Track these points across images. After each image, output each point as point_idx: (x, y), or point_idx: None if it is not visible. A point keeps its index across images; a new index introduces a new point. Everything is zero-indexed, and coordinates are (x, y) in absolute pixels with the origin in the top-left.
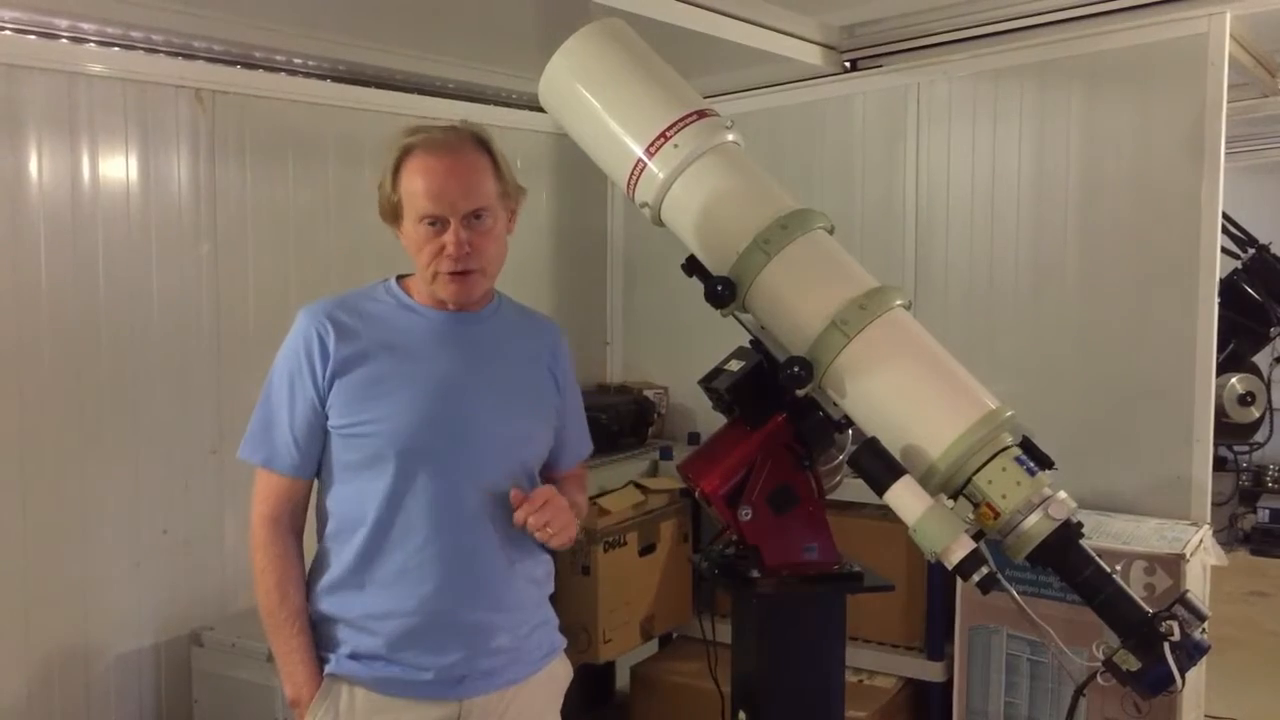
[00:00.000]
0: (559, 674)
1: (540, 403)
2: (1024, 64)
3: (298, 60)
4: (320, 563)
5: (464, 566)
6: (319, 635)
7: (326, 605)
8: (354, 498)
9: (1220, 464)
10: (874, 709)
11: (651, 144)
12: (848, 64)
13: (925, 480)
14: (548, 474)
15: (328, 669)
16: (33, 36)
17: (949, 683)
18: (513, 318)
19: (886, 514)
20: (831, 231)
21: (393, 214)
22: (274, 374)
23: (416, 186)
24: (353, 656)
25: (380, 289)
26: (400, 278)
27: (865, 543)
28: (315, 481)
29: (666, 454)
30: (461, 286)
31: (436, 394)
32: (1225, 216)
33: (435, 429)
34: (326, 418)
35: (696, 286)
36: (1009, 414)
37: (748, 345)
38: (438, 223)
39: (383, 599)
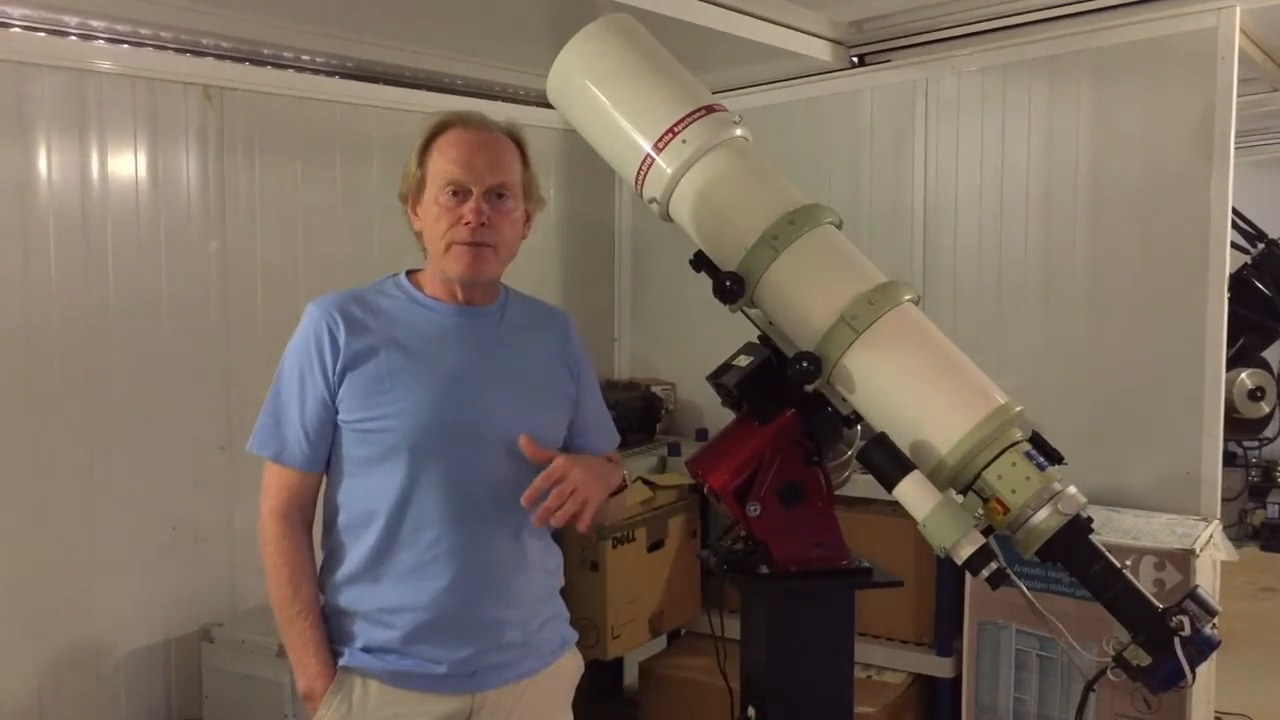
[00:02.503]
0: (570, 668)
1: (552, 395)
2: (1033, 58)
3: (306, 57)
4: (333, 556)
5: (476, 561)
6: (332, 629)
7: (340, 599)
8: (366, 492)
9: (1229, 459)
10: (883, 705)
11: (660, 139)
12: (856, 59)
13: (934, 475)
14: None
15: (341, 662)
16: (42, 34)
17: (958, 678)
18: (521, 310)
19: (895, 509)
20: (840, 226)
21: (414, 191)
22: (284, 367)
23: (446, 156)
24: (366, 650)
25: (390, 284)
26: (410, 273)
27: (874, 538)
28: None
29: (674, 450)
30: (473, 262)
31: (447, 389)
32: (1235, 211)
33: (447, 424)
34: (337, 412)
35: (704, 282)
36: (1018, 409)
37: (756, 341)
38: (460, 192)
39: (396, 593)
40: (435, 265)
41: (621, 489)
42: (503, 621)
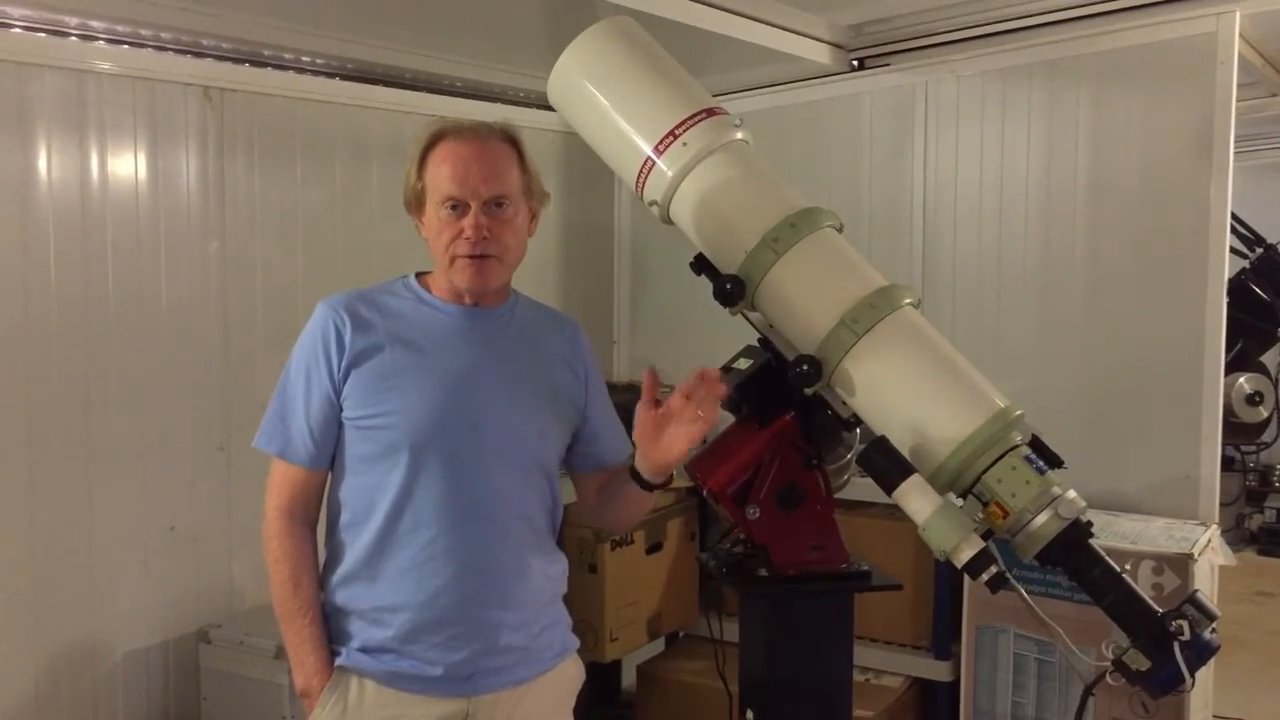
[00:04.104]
0: (571, 674)
1: (556, 399)
2: (1032, 63)
3: (306, 58)
4: (334, 554)
5: (474, 563)
6: (331, 627)
7: (339, 597)
8: (366, 490)
9: (1227, 464)
10: (881, 708)
11: (660, 142)
12: (855, 63)
13: (934, 479)
14: (592, 472)
15: (338, 661)
16: (42, 34)
17: (956, 682)
18: (530, 314)
19: (894, 513)
20: (840, 230)
21: (416, 202)
22: (291, 364)
23: (442, 171)
24: (363, 649)
25: (399, 284)
26: (419, 275)
27: (873, 541)
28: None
29: None
30: (478, 273)
31: (450, 389)
32: (1233, 216)
33: (448, 423)
34: (341, 409)
35: (704, 285)
36: (1018, 413)
37: (756, 344)
38: (459, 206)
39: (393, 592)
40: (443, 274)
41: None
42: (500, 624)
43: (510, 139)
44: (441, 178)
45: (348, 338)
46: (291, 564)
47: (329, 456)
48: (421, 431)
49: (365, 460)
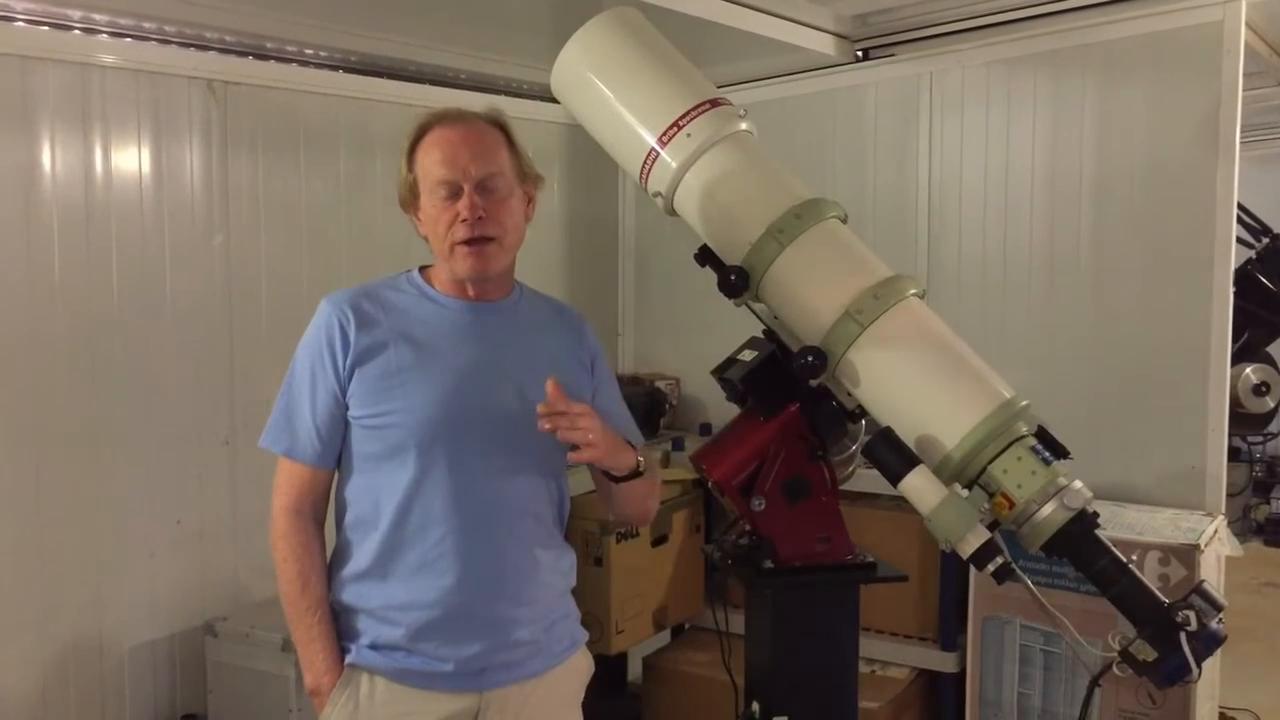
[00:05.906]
0: (580, 667)
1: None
2: (1038, 52)
3: (309, 51)
4: (342, 552)
5: (484, 560)
6: (340, 625)
7: (348, 595)
8: (374, 489)
9: (1234, 455)
10: (887, 699)
11: (664, 133)
12: (860, 53)
13: (940, 470)
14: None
15: (348, 659)
16: (45, 28)
17: (962, 673)
18: (535, 307)
19: (900, 504)
20: (845, 220)
21: (410, 195)
22: (296, 363)
23: (431, 156)
24: (373, 647)
25: (403, 279)
26: (423, 269)
27: (878, 533)
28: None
29: (678, 445)
30: (478, 259)
31: (455, 387)
32: (1240, 206)
33: (454, 422)
34: (347, 407)
35: (709, 276)
36: (1024, 403)
37: (761, 335)
38: (451, 191)
39: (403, 590)
40: (444, 265)
41: (635, 475)
42: (511, 620)
43: (496, 123)
44: (431, 163)
45: (352, 335)
46: (299, 563)
47: (336, 454)
48: (427, 431)
49: (372, 459)
